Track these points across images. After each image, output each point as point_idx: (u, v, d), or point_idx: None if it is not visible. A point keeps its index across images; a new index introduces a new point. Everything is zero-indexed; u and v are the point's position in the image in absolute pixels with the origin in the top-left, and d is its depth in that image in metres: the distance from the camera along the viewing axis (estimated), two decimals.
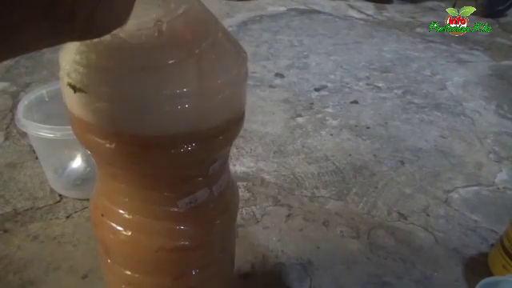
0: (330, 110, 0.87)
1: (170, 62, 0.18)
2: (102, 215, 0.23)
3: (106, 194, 0.23)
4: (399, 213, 0.60)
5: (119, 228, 0.23)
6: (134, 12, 0.18)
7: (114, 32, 0.18)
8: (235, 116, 0.22)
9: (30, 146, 0.67)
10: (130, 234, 0.23)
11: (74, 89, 0.19)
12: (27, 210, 0.56)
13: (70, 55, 0.20)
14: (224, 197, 0.25)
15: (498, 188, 0.67)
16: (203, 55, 0.19)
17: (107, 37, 0.18)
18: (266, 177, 0.66)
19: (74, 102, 0.20)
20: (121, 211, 0.23)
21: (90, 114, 0.19)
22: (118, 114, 0.18)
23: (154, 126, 0.19)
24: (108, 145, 0.19)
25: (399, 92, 0.98)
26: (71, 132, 0.23)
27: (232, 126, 0.22)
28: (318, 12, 1.55)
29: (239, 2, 1.55)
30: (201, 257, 0.23)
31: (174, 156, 0.20)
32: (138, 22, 0.18)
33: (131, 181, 0.22)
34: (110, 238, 0.23)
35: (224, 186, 0.25)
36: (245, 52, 0.22)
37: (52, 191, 0.59)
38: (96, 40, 0.18)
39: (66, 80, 0.19)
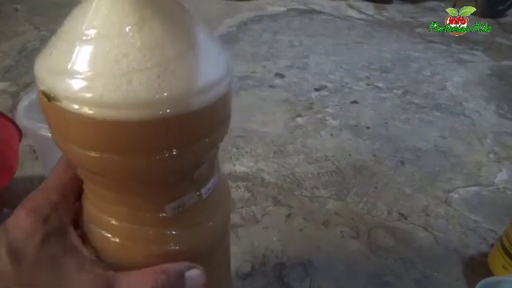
0: (329, 110, 0.87)
1: (148, 65, 0.18)
2: (90, 222, 0.23)
3: (91, 201, 0.23)
4: (399, 213, 0.60)
5: (107, 235, 0.22)
6: (111, 17, 0.18)
7: (90, 38, 0.18)
8: (220, 118, 0.22)
9: (30, 146, 0.67)
10: (118, 240, 0.22)
11: (49, 97, 0.18)
12: None
13: (44, 62, 0.19)
14: (214, 199, 0.25)
15: (498, 188, 0.67)
16: (182, 58, 0.19)
17: (83, 43, 0.18)
18: (266, 177, 0.66)
19: (49, 111, 0.19)
20: (108, 218, 0.22)
21: (66, 122, 0.19)
22: (96, 121, 0.18)
23: (134, 135, 0.18)
24: (88, 153, 0.19)
25: (399, 92, 0.98)
26: None
27: (217, 127, 0.22)
28: (318, 12, 1.55)
29: (239, 2, 1.55)
30: (193, 261, 0.23)
31: (157, 162, 0.19)
32: (116, 27, 0.18)
33: (115, 187, 0.21)
34: (98, 244, 0.23)
35: (214, 188, 0.25)
36: (227, 52, 0.22)
37: None
38: (71, 46, 0.18)
39: (41, 88, 0.19)
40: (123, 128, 0.18)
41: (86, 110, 0.18)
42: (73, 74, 0.18)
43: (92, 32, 0.18)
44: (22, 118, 0.51)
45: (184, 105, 0.18)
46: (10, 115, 0.59)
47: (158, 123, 0.18)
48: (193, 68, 0.19)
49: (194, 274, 0.22)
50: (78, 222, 0.24)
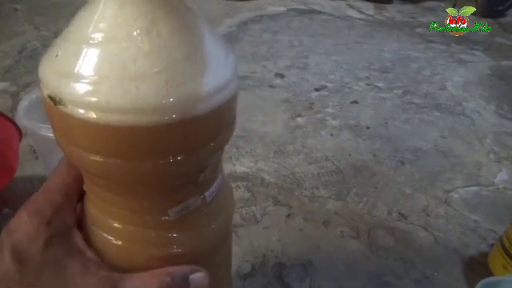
0: (329, 110, 0.87)
1: (156, 70, 0.18)
2: (92, 224, 0.23)
3: (94, 203, 0.23)
4: (399, 213, 0.60)
5: (110, 237, 0.22)
6: (118, 20, 0.18)
7: (96, 41, 0.18)
8: (226, 122, 0.21)
9: (30, 146, 0.67)
10: (120, 243, 0.22)
11: (54, 101, 0.18)
12: None
13: (50, 65, 0.19)
14: (218, 202, 0.25)
15: (498, 188, 0.67)
16: (190, 63, 0.19)
17: (89, 46, 0.18)
18: (266, 177, 0.66)
19: (54, 115, 0.19)
20: (110, 220, 0.22)
21: (71, 126, 0.18)
22: (101, 126, 0.18)
23: (140, 140, 0.18)
24: (92, 157, 0.19)
25: (399, 92, 0.98)
26: None
27: (223, 131, 0.21)
28: (318, 12, 1.55)
29: (239, 2, 1.55)
30: (195, 262, 0.23)
31: (163, 166, 0.19)
32: (123, 31, 0.18)
33: (119, 191, 0.21)
34: (100, 246, 0.23)
35: (217, 191, 0.24)
36: (234, 55, 0.22)
37: None
38: (78, 49, 0.18)
39: (46, 92, 0.19)
40: (129, 133, 0.18)
41: (92, 115, 0.17)
42: (79, 78, 0.18)
43: (99, 35, 0.18)
44: (22, 118, 0.51)
45: (191, 110, 0.18)
46: (10, 115, 0.59)
47: (164, 128, 0.18)
48: (201, 73, 0.19)
49: (198, 277, 0.22)
50: (80, 223, 0.24)
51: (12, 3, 1.37)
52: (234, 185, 0.63)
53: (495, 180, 0.69)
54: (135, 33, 0.18)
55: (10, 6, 1.34)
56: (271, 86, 0.96)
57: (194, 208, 0.23)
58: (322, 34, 1.33)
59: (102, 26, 0.18)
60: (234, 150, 0.71)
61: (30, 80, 0.88)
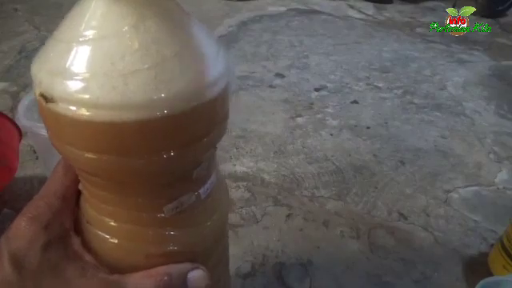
0: (329, 110, 0.87)
1: (145, 66, 0.18)
2: (87, 222, 0.23)
3: (89, 201, 0.23)
4: (399, 213, 0.60)
5: (105, 236, 0.22)
6: (108, 18, 0.18)
7: (87, 38, 0.18)
8: (218, 118, 0.22)
9: (30, 146, 0.67)
10: (116, 241, 0.22)
11: (47, 99, 0.18)
12: None
13: (41, 64, 0.19)
14: (213, 199, 0.25)
15: (498, 188, 0.67)
16: (179, 58, 0.19)
17: (80, 44, 0.18)
18: (266, 177, 0.66)
19: (46, 113, 0.19)
20: (106, 219, 0.22)
21: (63, 124, 0.18)
22: (93, 123, 0.18)
23: (131, 136, 0.18)
24: (85, 155, 0.19)
25: (399, 92, 0.98)
26: None
27: (215, 127, 0.21)
28: (318, 12, 1.55)
29: (239, 2, 1.55)
30: (191, 260, 0.23)
31: (156, 162, 0.19)
32: (113, 28, 0.18)
33: (113, 189, 0.21)
34: (96, 245, 0.23)
35: (212, 188, 0.24)
36: (225, 51, 0.22)
37: None
38: (68, 47, 0.18)
39: (38, 90, 0.19)
40: (120, 129, 0.18)
41: (84, 112, 0.18)
42: (70, 76, 0.18)
43: (89, 33, 0.18)
44: (21, 118, 0.51)
45: (181, 105, 0.18)
46: (10, 115, 0.59)
47: (155, 124, 0.18)
48: (190, 68, 0.19)
49: (197, 274, 0.22)
50: (76, 223, 0.24)
51: (12, 3, 1.37)
52: (234, 185, 0.63)
53: (495, 180, 0.69)
54: (124, 29, 0.18)
55: (10, 6, 1.34)
56: (271, 86, 0.96)
57: (189, 205, 0.23)
58: (321, 34, 1.33)
59: (91, 23, 0.18)
60: (234, 150, 0.71)
61: (30, 80, 0.88)
